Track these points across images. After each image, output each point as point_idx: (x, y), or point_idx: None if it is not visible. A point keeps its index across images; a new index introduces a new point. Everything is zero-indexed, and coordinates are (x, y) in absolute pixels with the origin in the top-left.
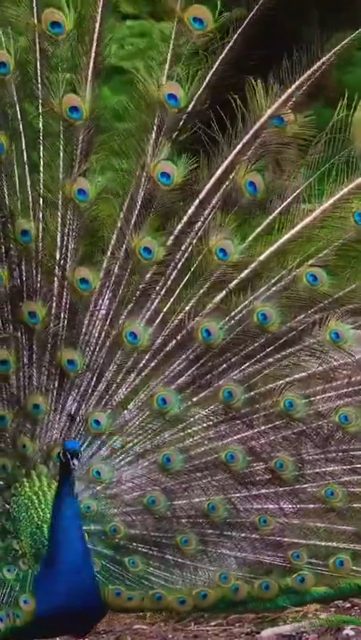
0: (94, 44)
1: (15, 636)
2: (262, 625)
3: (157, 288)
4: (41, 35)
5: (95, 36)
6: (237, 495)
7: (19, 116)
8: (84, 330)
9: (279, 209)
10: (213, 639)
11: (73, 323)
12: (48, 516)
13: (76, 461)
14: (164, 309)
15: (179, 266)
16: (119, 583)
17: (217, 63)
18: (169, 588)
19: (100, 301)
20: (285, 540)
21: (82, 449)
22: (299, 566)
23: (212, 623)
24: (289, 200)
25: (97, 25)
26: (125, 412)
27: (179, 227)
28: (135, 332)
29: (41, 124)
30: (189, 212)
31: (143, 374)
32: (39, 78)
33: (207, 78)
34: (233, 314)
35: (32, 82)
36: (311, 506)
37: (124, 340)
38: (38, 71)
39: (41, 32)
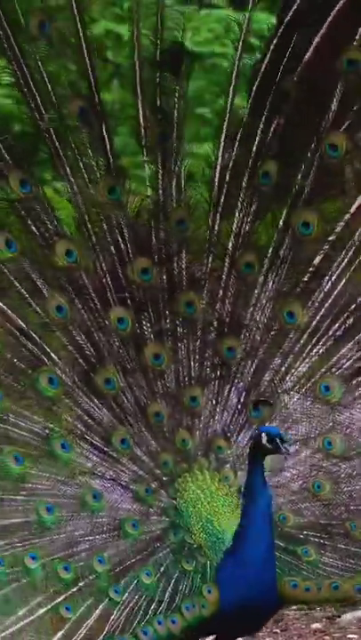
0: None
1: (201, 628)
2: (344, 609)
3: (331, 269)
4: None
5: None
6: None
7: None
8: (247, 316)
9: None
10: (295, 623)
11: (235, 309)
12: (216, 509)
13: (287, 445)
14: (334, 293)
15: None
16: (295, 574)
17: None
18: (343, 576)
19: (266, 285)
20: None
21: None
22: None
23: (293, 607)
24: None
25: None
26: (288, 399)
27: None
28: (293, 311)
29: None
30: None
31: (309, 360)
32: None
33: None
34: None
35: None
36: None
37: (284, 323)
38: None
39: None
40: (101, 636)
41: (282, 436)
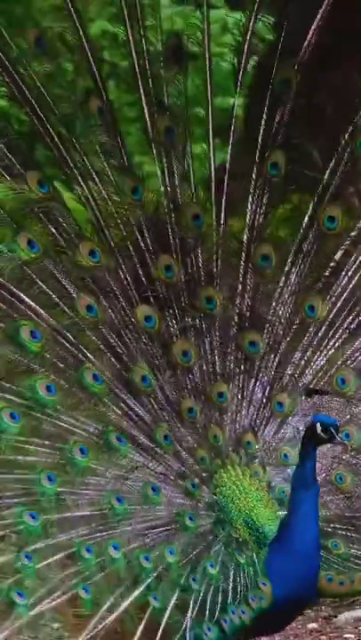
0: None
1: (261, 619)
2: (339, 609)
3: (348, 263)
4: None
5: None
6: None
7: None
8: (270, 310)
9: None
10: (291, 623)
11: (254, 303)
12: (251, 504)
13: (342, 435)
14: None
15: None
16: (328, 568)
17: None
18: None
19: (289, 279)
20: None
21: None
22: None
23: None
24: None
25: None
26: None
27: None
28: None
29: None
30: None
31: (326, 353)
32: None
33: None
34: None
35: None
36: None
37: (305, 317)
38: None
39: None
40: (185, 625)
41: (337, 425)
